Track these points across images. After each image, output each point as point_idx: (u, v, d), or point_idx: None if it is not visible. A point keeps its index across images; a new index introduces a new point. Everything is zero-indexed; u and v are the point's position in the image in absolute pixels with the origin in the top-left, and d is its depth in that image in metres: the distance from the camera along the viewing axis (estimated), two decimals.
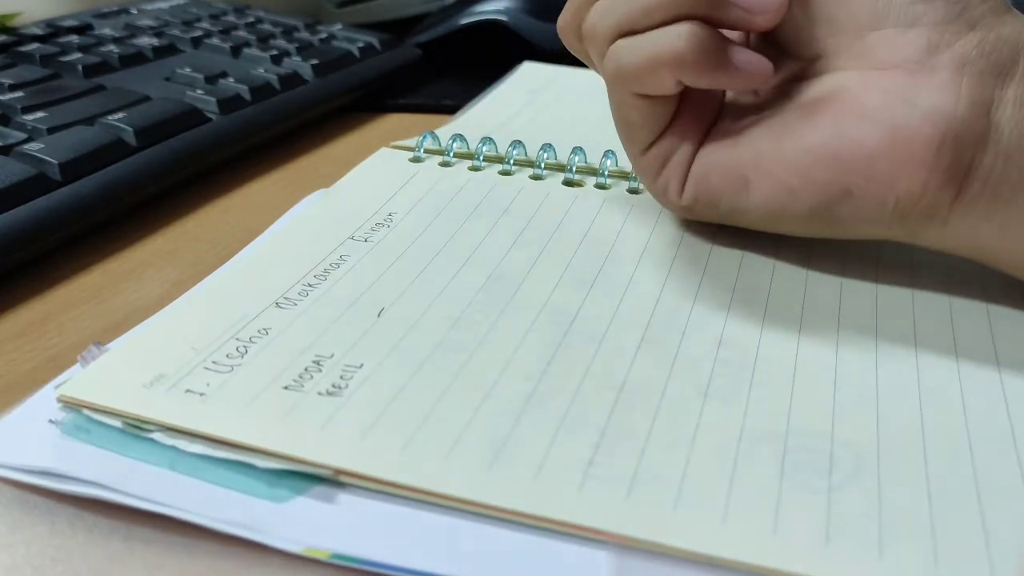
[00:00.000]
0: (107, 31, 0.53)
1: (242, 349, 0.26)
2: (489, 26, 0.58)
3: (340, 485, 0.22)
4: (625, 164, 0.38)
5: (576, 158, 0.39)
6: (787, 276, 0.31)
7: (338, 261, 0.31)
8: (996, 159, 0.26)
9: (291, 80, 0.48)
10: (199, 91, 0.45)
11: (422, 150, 0.41)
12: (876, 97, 0.27)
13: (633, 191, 0.38)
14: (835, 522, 0.21)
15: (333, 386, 0.25)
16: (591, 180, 0.39)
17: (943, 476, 0.22)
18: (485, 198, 0.37)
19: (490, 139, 0.41)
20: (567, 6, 0.31)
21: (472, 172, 0.39)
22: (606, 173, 0.38)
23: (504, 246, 0.33)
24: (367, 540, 0.21)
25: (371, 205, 0.36)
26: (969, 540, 0.20)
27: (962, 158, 0.26)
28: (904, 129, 0.26)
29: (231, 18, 0.58)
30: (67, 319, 0.31)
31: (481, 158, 0.40)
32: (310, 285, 0.30)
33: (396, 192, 0.37)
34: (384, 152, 0.41)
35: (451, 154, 0.40)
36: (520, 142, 0.41)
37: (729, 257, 0.33)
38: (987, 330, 0.28)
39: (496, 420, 0.24)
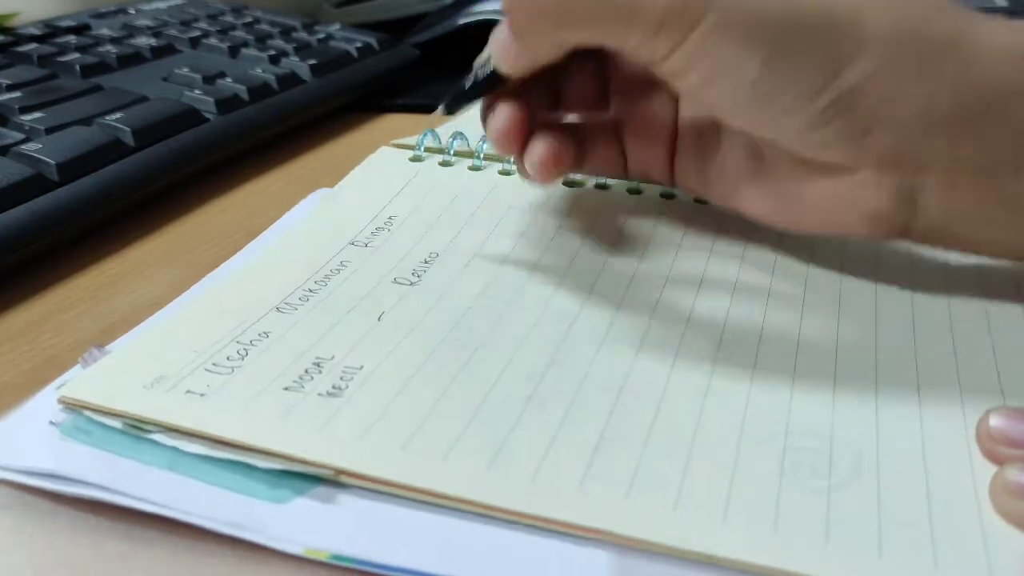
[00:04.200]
0: (105, 31, 0.53)
1: (242, 352, 0.26)
2: (488, 26, 0.57)
3: (340, 486, 0.22)
4: None
5: None
6: (787, 277, 0.31)
7: (338, 267, 0.31)
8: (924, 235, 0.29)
9: (289, 80, 0.48)
10: (197, 91, 0.45)
11: (422, 148, 0.41)
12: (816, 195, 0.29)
13: (633, 191, 0.38)
14: (834, 522, 0.21)
15: (333, 387, 0.25)
16: (591, 180, 0.39)
17: (942, 476, 0.22)
18: (485, 200, 0.37)
19: None
20: None
21: (472, 172, 0.39)
22: None
23: (504, 250, 0.33)
24: (367, 541, 0.21)
25: (371, 209, 0.36)
26: (968, 540, 0.20)
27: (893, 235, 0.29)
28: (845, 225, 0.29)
29: (229, 18, 0.58)
30: (65, 319, 0.31)
31: (481, 157, 0.40)
32: (310, 291, 0.30)
33: (396, 194, 0.37)
34: (384, 151, 0.41)
35: (451, 152, 0.40)
36: None
37: (729, 257, 0.33)
38: (985, 330, 0.28)
39: (496, 420, 0.24)
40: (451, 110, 0.32)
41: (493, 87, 0.31)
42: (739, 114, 0.28)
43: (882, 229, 0.28)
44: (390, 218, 0.35)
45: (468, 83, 0.31)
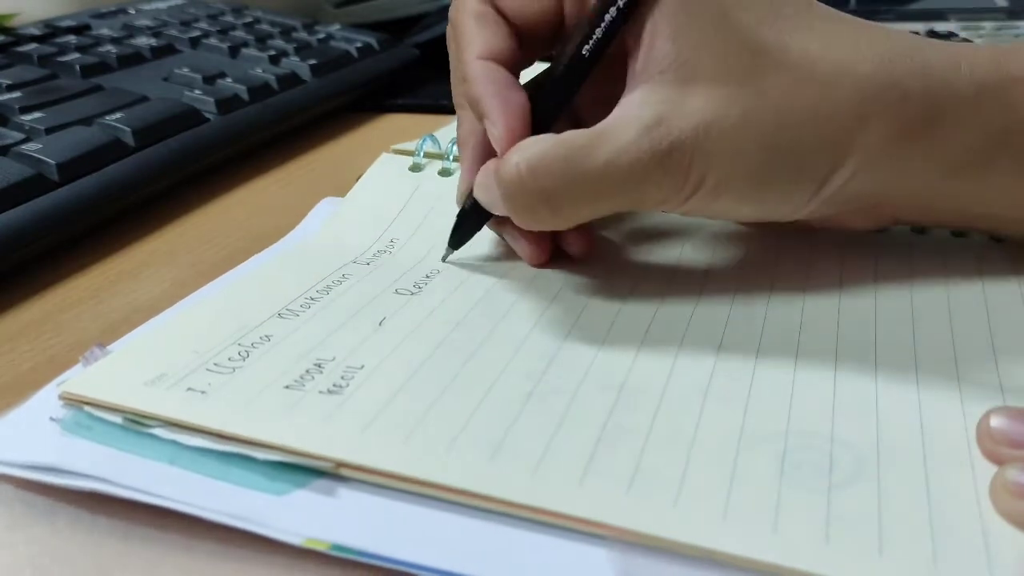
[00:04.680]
0: (105, 31, 0.53)
1: (244, 353, 0.26)
2: None
3: (340, 479, 0.22)
4: None
5: None
6: (788, 278, 0.31)
7: (340, 279, 0.31)
8: None
9: (289, 80, 0.49)
10: (197, 91, 0.45)
11: (422, 154, 0.41)
12: None
13: None
14: (835, 521, 0.21)
15: (334, 385, 0.25)
16: None
17: (942, 475, 0.22)
18: None
19: None
20: None
21: None
22: None
23: (505, 264, 0.33)
24: (367, 533, 0.21)
25: (373, 232, 0.36)
26: (968, 540, 0.20)
27: None
28: None
29: (229, 18, 0.58)
30: (65, 319, 0.31)
31: None
32: (312, 299, 0.30)
33: (396, 216, 0.37)
34: (385, 158, 0.41)
35: (451, 158, 0.40)
36: None
37: (729, 260, 0.33)
38: (986, 329, 0.28)
39: (497, 416, 0.24)
40: (457, 245, 0.33)
41: (487, 216, 0.31)
42: (735, 220, 0.34)
43: (868, 229, 0.33)
44: (392, 241, 0.35)
45: (460, 216, 0.32)
